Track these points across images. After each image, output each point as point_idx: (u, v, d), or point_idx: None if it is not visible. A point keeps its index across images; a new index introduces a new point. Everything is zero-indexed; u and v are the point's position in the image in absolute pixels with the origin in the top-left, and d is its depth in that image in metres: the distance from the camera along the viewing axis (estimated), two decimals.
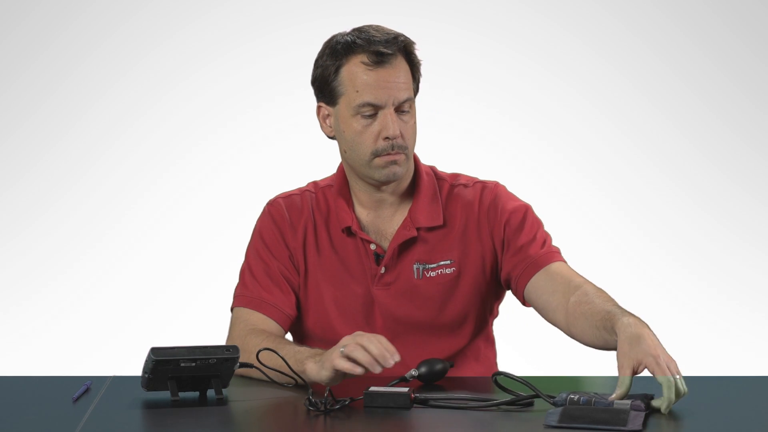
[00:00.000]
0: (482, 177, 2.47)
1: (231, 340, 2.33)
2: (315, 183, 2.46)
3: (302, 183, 2.49)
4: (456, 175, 2.45)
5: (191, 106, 4.57)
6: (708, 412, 1.98)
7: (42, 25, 4.56)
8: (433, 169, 2.45)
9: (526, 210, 2.41)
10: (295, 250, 2.38)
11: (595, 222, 4.65)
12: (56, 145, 4.56)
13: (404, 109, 2.31)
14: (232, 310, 2.41)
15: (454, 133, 4.54)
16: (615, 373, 1.97)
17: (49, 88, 4.56)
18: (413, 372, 2.12)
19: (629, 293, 4.55)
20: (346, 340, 2.07)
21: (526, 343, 3.93)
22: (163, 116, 4.57)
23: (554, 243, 2.40)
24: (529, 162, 4.63)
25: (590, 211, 4.65)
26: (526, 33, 4.67)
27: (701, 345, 4.47)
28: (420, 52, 2.35)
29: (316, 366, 2.09)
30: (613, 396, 1.94)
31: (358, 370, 2.03)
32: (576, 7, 4.69)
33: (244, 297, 2.37)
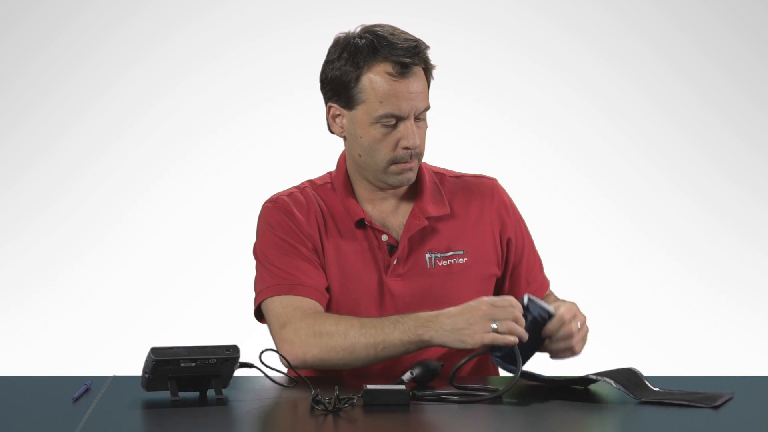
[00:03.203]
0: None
1: (288, 327, 2.26)
2: (311, 181, 2.46)
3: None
4: (447, 170, 2.51)
5: (191, 106, 4.57)
6: (708, 412, 1.98)
7: (42, 25, 4.56)
8: (426, 165, 2.48)
9: (523, 221, 2.50)
10: (314, 240, 2.37)
11: (595, 222, 4.65)
12: (56, 145, 4.56)
13: (421, 117, 2.35)
14: (260, 304, 2.34)
15: (454, 133, 4.54)
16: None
17: (49, 88, 4.57)
18: (409, 374, 2.12)
19: (629, 293, 4.57)
20: (481, 311, 2.13)
21: None
22: (163, 116, 4.57)
23: (546, 246, 2.56)
24: (529, 162, 4.64)
25: (590, 211, 4.65)
26: (526, 33, 4.67)
27: (701, 345, 4.47)
28: (433, 56, 2.37)
29: (448, 335, 2.16)
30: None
31: (513, 339, 2.12)
32: (576, 7, 4.69)
33: (281, 285, 2.31)
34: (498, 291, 2.44)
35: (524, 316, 2.14)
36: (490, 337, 2.11)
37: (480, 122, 4.62)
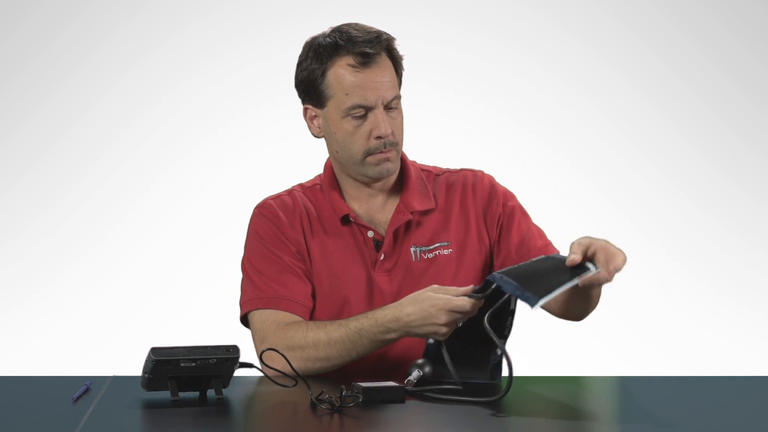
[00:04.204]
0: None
1: (265, 342, 2.31)
2: (300, 184, 2.52)
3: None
4: (435, 167, 2.53)
5: (191, 106, 4.57)
6: (708, 412, 1.98)
7: (42, 25, 4.55)
8: (413, 163, 2.50)
9: (516, 199, 2.49)
10: (298, 243, 2.40)
11: (595, 222, 4.65)
12: (56, 145, 4.56)
13: (392, 106, 2.37)
14: (245, 316, 2.39)
15: (454, 133, 4.54)
16: (615, 373, 1.97)
17: (49, 88, 4.56)
18: (417, 374, 2.12)
19: (629, 293, 4.57)
20: (431, 318, 2.15)
21: (527, 342, 3.93)
22: (163, 116, 4.57)
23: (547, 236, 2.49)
24: (529, 162, 4.63)
25: (590, 211, 4.65)
26: (526, 33, 4.67)
27: (701, 345, 4.47)
28: (411, 49, 2.39)
29: (416, 332, 2.18)
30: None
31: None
32: (576, 7, 4.69)
33: (260, 299, 2.37)
34: (490, 270, 2.44)
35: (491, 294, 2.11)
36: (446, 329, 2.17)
37: (480, 122, 4.62)
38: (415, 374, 2.12)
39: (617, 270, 2.06)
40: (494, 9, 4.65)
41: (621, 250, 2.10)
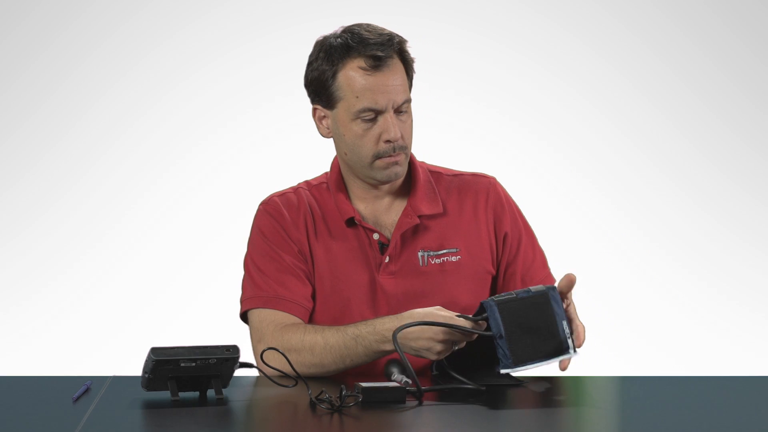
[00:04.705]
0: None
1: (262, 342, 2.31)
2: (307, 182, 2.50)
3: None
4: (445, 168, 2.51)
5: (191, 106, 4.57)
6: (708, 412, 1.98)
7: (42, 25, 4.56)
8: (422, 163, 2.49)
9: (522, 215, 2.50)
10: (301, 243, 2.39)
11: (595, 222, 4.65)
12: (56, 145, 4.56)
13: (402, 109, 2.35)
14: (244, 314, 2.39)
15: (454, 133, 4.54)
16: (615, 373, 1.98)
17: (49, 88, 4.56)
18: (398, 374, 2.13)
19: (629, 293, 4.57)
20: (426, 343, 2.15)
21: None
22: (163, 116, 4.57)
23: (546, 246, 2.52)
24: (529, 162, 4.64)
25: (590, 211, 4.65)
26: (526, 33, 4.67)
27: (701, 345, 4.47)
28: (413, 50, 2.37)
29: (406, 345, 2.17)
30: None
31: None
32: (576, 7, 4.69)
33: (260, 298, 2.36)
34: (492, 290, 2.45)
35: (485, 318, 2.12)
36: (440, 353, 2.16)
37: (480, 122, 4.62)
38: (397, 374, 2.12)
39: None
40: (494, 9, 4.65)
41: (583, 325, 2.20)
